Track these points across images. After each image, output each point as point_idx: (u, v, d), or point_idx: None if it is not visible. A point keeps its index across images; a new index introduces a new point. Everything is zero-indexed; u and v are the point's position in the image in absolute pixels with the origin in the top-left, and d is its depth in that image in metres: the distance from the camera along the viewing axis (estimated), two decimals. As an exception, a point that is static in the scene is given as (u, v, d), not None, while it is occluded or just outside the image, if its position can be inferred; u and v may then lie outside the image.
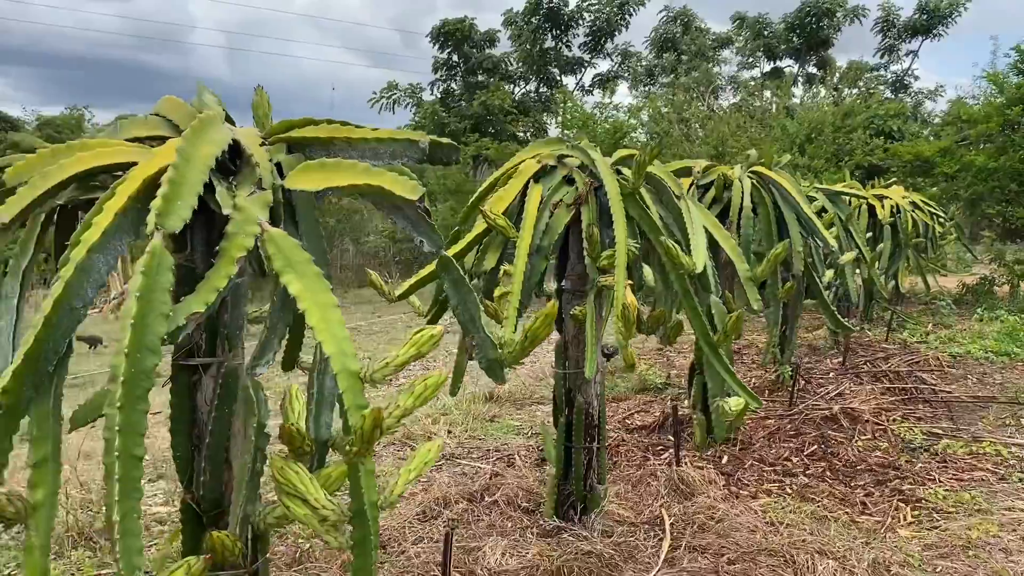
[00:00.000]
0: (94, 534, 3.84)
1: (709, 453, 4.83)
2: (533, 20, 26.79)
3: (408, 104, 26.49)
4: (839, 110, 15.01)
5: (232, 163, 1.71)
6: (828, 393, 6.10)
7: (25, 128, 37.46)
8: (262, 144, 1.71)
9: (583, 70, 28.86)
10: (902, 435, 5.19)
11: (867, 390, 6.32)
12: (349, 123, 1.73)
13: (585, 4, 27.20)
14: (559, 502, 3.60)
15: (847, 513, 3.90)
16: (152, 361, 1.41)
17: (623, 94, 31.23)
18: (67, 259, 1.50)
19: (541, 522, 3.64)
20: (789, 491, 4.19)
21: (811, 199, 5.92)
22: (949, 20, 29.26)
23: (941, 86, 34.61)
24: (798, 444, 5.00)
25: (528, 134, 26.18)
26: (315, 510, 1.58)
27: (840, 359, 7.58)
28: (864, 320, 9.52)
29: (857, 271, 6.91)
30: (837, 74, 29.45)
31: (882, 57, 30.83)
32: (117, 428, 1.37)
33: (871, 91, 23.97)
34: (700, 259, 2.96)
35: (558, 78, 28.54)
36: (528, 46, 27.13)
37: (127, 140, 1.78)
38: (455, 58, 27.16)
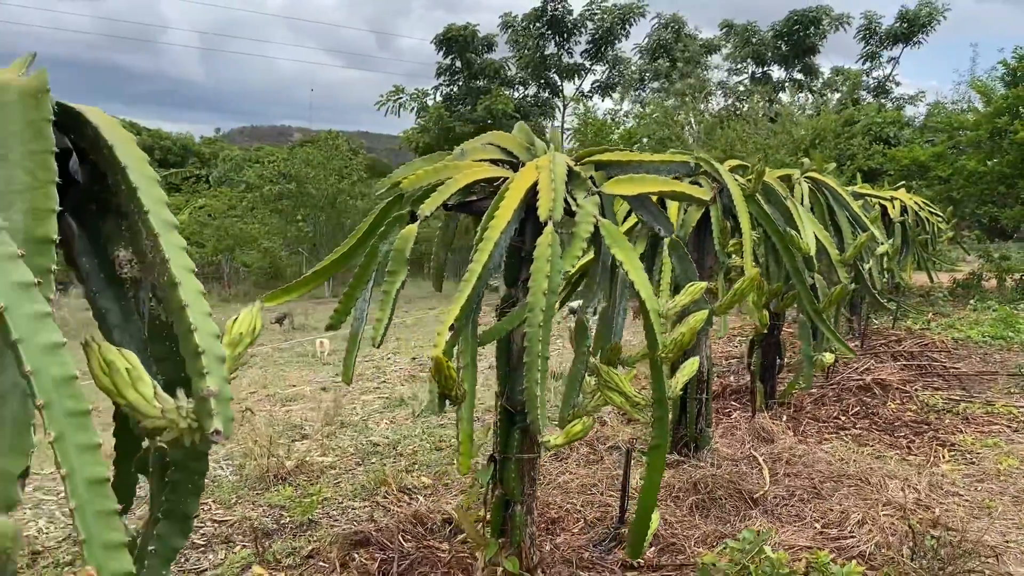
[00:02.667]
0: (287, 474, 4.67)
1: (769, 415, 5.74)
2: (535, 26, 27.73)
3: (413, 108, 27.36)
4: (840, 117, 16.11)
5: (558, 176, 2.57)
6: (857, 368, 7.04)
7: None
8: (576, 164, 2.58)
9: (583, 76, 29.79)
10: (926, 400, 6.13)
11: (888, 367, 7.28)
12: (633, 151, 2.61)
13: (588, 13, 28.16)
14: (674, 442, 4.48)
15: (898, 453, 4.82)
16: (553, 299, 2.27)
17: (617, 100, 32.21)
18: (481, 238, 2.36)
19: (661, 458, 4.52)
20: (846, 439, 5.11)
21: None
22: (928, 28, 30.55)
23: (922, 92, 35.92)
24: (842, 407, 5.93)
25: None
26: (627, 398, 2.46)
27: (857, 342, 8.55)
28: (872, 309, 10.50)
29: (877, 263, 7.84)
30: (821, 80, 30.67)
31: (864, 63, 32.08)
32: (539, 340, 2.24)
33: (855, 98, 25.12)
34: (812, 244, 3.86)
35: (558, 84, 29.49)
36: (529, 51, 28.05)
37: (475, 160, 2.65)
38: (458, 64, 28.05)
